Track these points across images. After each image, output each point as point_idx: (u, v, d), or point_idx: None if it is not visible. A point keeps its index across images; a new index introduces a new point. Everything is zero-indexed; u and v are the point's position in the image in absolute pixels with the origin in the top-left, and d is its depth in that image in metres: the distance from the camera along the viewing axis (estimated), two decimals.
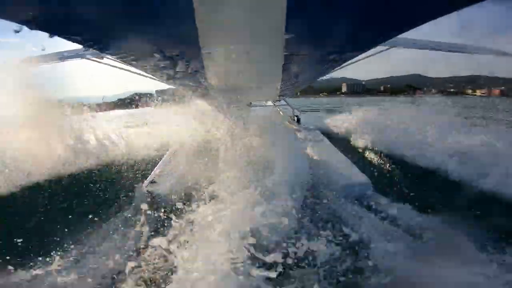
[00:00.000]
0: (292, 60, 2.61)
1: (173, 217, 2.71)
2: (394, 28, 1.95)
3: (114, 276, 2.32)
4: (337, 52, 2.70)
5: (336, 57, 2.85)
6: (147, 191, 3.34)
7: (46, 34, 1.57)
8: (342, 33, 2.07)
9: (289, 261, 2.22)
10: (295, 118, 7.14)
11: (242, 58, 2.41)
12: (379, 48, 3.77)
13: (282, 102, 8.34)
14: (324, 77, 5.09)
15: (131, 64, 2.66)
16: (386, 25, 1.89)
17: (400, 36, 2.17)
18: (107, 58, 3.37)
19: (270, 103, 10.74)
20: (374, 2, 1.52)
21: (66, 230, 2.93)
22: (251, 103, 10.68)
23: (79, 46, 2.67)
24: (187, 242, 2.48)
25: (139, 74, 3.75)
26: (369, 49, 2.81)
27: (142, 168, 4.51)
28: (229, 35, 1.97)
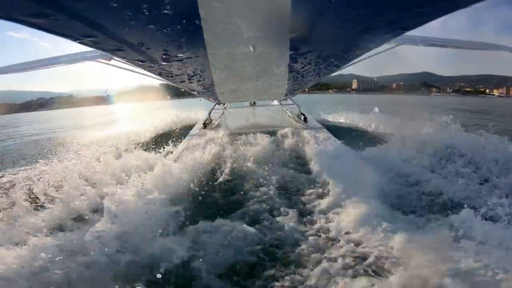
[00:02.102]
0: (298, 59, 2.66)
1: None
2: (401, 25, 1.96)
3: None
4: (343, 51, 2.74)
5: (341, 56, 2.88)
6: None
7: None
8: (348, 32, 2.10)
9: None
10: (302, 117, 7.16)
11: (247, 58, 2.48)
12: (386, 46, 3.79)
13: (289, 101, 8.37)
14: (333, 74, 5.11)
15: (138, 66, 2.75)
16: (393, 23, 1.91)
17: (407, 33, 2.19)
18: (114, 59, 3.46)
19: (276, 102, 10.82)
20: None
21: None
22: (255, 102, 10.86)
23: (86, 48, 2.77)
24: None
25: (146, 75, 3.85)
26: (376, 47, 2.83)
27: None
28: (234, 35, 2.03)
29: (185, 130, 7.89)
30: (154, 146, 6.06)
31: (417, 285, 1.95)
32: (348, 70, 4.01)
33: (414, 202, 3.52)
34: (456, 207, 3.29)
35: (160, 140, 6.94)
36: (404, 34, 2.20)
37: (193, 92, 4.73)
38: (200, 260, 2.34)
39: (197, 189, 3.75)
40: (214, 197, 3.81)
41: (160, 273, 2.15)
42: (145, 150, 5.52)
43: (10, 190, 3.95)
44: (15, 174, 4.96)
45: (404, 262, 2.26)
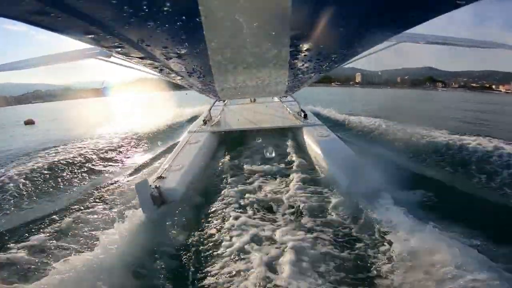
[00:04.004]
0: (298, 56, 2.69)
1: None
2: (402, 23, 1.98)
3: None
4: (344, 48, 2.76)
5: (342, 53, 2.91)
6: (155, 186, 3.53)
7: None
8: (349, 29, 2.11)
9: None
10: (302, 114, 7.23)
11: (248, 55, 2.51)
12: (387, 43, 3.81)
13: (289, 98, 8.39)
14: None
15: (137, 63, 2.79)
16: (394, 20, 1.93)
17: (408, 31, 2.22)
18: (114, 56, 3.51)
19: (276, 99, 10.90)
20: None
21: None
22: (255, 99, 10.91)
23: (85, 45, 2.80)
24: None
25: (145, 71, 3.90)
26: (376, 44, 2.85)
27: None
28: (234, 32, 2.05)
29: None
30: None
31: None
32: (349, 64, 4.02)
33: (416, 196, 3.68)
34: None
35: None
36: (405, 32, 2.23)
37: (193, 88, 4.77)
38: None
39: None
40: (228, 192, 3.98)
41: None
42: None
43: None
44: None
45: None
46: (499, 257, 2.37)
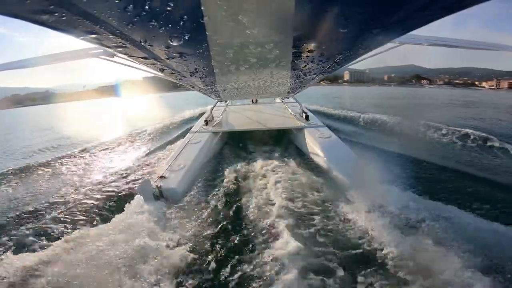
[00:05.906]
0: (301, 57, 2.69)
1: None
2: (405, 25, 2.00)
3: None
4: (346, 50, 2.78)
5: (345, 54, 2.93)
6: (156, 186, 3.58)
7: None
8: (352, 31, 2.11)
9: None
10: (304, 115, 7.30)
11: (250, 55, 2.49)
12: (390, 45, 3.88)
13: (291, 99, 8.44)
14: None
15: (140, 62, 2.78)
16: (397, 22, 1.94)
17: (411, 32, 2.26)
18: (117, 56, 3.49)
19: (278, 100, 10.99)
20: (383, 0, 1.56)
21: None
22: (257, 100, 10.95)
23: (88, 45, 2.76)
24: None
25: (148, 71, 3.88)
26: (379, 46, 2.88)
27: None
28: (237, 33, 2.03)
29: None
30: None
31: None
32: None
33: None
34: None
35: None
36: (408, 33, 2.26)
37: (195, 89, 4.75)
38: None
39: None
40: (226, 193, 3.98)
41: None
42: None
43: None
44: None
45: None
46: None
